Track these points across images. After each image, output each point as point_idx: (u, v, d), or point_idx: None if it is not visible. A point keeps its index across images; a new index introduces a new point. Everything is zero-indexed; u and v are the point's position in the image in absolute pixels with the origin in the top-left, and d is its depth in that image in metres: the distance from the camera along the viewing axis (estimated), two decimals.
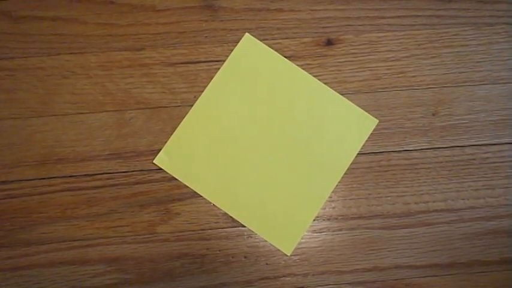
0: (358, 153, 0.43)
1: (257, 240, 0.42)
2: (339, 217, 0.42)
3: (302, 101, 0.43)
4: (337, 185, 0.43)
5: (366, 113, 0.43)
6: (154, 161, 0.42)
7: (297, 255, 0.42)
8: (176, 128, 0.43)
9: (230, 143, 0.43)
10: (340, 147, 0.43)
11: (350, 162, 0.43)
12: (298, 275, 0.42)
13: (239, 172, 0.42)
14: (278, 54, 0.44)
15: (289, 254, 0.42)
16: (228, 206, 0.42)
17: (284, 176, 0.42)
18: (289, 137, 0.43)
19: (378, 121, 0.43)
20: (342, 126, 0.43)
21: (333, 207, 0.43)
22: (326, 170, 0.43)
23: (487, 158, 0.43)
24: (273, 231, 0.42)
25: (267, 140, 0.43)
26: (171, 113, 0.43)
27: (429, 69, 0.44)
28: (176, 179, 0.42)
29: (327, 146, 0.43)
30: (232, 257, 0.42)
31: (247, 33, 0.44)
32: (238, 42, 0.44)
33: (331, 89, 0.44)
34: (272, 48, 0.44)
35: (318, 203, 0.42)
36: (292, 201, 0.42)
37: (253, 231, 0.42)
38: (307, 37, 0.44)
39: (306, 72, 0.44)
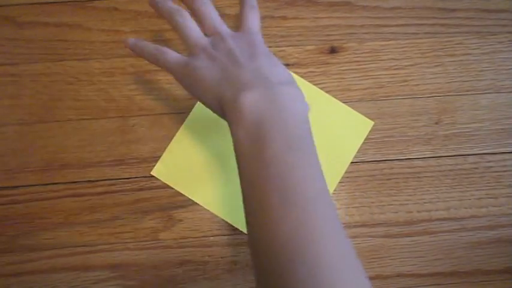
0: (360, 161, 0.43)
1: None
2: (342, 225, 0.42)
3: None
4: (339, 193, 0.43)
5: (361, 115, 0.43)
6: (151, 172, 0.42)
7: None
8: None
9: (227, 152, 0.43)
10: (336, 151, 0.43)
11: (347, 166, 0.43)
12: None
13: (237, 180, 0.42)
14: None
15: None
16: (227, 215, 0.42)
17: None
18: None
19: (373, 123, 0.43)
20: (338, 129, 0.43)
21: None
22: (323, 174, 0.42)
23: (490, 167, 0.43)
24: None
25: None
26: (174, 120, 0.43)
27: (432, 78, 0.44)
28: None
29: (323, 150, 0.43)
30: (235, 264, 0.42)
31: None
32: None
33: (325, 93, 0.43)
34: (276, 55, 0.43)
35: None
36: None
37: None
38: (310, 45, 0.44)
39: (298, 76, 0.43)
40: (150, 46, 0.35)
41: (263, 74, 0.30)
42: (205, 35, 0.34)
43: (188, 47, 0.34)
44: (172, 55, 0.34)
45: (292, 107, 0.28)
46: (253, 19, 0.36)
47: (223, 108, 0.30)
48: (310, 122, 0.30)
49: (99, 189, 0.42)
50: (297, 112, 0.28)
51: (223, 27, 0.34)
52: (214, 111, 0.33)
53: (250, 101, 0.28)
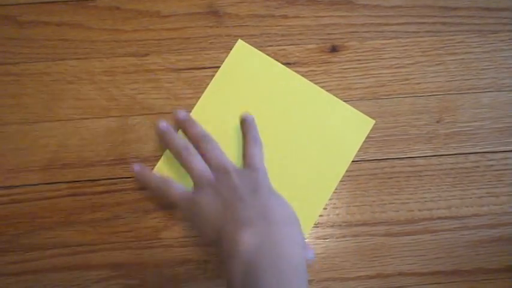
0: (361, 160, 0.43)
1: None
2: (343, 224, 0.42)
3: (297, 105, 0.43)
4: (340, 192, 0.43)
5: (362, 114, 0.43)
6: (153, 170, 0.42)
7: None
8: None
9: (227, 150, 0.42)
10: (337, 150, 0.43)
11: (348, 165, 0.43)
12: None
13: None
14: (271, 59, 0.44)
15: None
16: None
17: (281, 181, 0.42)
18: (285, 140, 0.43)
19: (374, 121, 0.43)
20: (339, 128, 0.43)
21: (337, 214, 0.43)
22: (324, 173, 0.43)
23: (492, 165, 0.43)
24: None
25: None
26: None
27: (433, 77, 0.44)
28: None
29: (324, 149, 0.43)
30: None
31: (240, 40, 0.44)
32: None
33: (326, 92, 0.43)
34: (277, 54, 0.44)
35: (318, 208, 0.42)
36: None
37: None
38: (311, 44, 0.44)
39: (299, 76, 0.44)
40: (155, 178, 0.38)
41: (265, 212, 0.31)
42: (211, 169, 0.36)
43: (193, 179, 0.36)
44: (176, 188, 0.36)
45: (289, 252, 0.29)
46: (257, 154, 0.38)
47: (221, 239, 0.31)
48: (305, 266, 0.30)
49: (100, 189, 0.42)
50: (294, 258, 0.29)
51: (227, 163, 0.36)
52: (211, 244, 0.33)
53: (248, 238, 0.28)
